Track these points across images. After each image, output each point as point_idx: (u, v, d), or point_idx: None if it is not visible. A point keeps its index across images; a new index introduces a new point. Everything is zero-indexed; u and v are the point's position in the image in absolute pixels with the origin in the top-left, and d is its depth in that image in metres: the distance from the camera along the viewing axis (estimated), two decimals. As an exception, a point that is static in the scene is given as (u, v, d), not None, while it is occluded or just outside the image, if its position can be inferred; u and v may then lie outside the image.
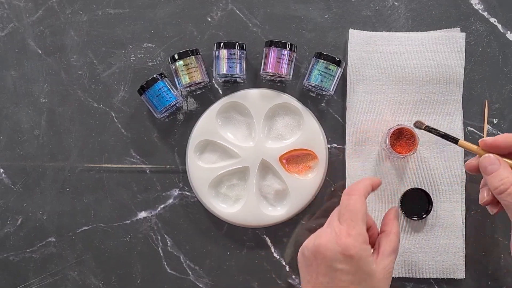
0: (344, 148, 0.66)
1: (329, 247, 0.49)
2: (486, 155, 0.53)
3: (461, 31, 0.66)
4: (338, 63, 0.63)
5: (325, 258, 0.49)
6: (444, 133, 0.58)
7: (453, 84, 0.65)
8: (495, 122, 0.66)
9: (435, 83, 0.65)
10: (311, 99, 0.67)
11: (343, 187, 0.66)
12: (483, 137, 0.66)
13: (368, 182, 0.54)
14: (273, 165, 0.65)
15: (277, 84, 0.67)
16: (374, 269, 0.50)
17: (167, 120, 0.68)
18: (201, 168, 0.66)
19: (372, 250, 0.53)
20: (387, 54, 0.66)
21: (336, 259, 0.49)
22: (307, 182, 0.65)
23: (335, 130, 0.67)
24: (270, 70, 0.64)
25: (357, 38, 0.66)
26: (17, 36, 0.68)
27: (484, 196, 0.55)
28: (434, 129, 0.58)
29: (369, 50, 0.66)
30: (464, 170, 0.64)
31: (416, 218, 0.64)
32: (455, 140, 0.57)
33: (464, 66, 0.66)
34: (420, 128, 0.60)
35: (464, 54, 0.66)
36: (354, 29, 0.66)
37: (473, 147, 0.56)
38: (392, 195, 0.65)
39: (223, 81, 0.67)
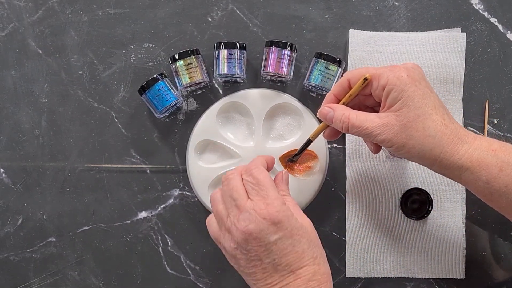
0: (344, 148, 0.66)
1: (258, 227, 0.48)
2: (319, 110, 0.56)
3: (461, 31, 0.66)
4: (338, 63, 0.63)
5: (258, 238, 0.48)
6: (301, 147, 0.62)
7: (454, 84, 0.66)
8: (495, 122, 0.66)
9: (436, 83, 0.65)
10: (311, 99, 0.67)
11: (344, 187, 0.66)
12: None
13: (260, 157, 0.56)
14: (273, 165, 0.65)
15: (277, 84, 0.67)
16: (301, 222, 0.51)
17: (167, 120, 0.68)
18: (201, 168, 0.66)
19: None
20: (387, 54, 0.66)
21: (269, 233, 0.48)
22: (307, 182, 0.65)
23: (335, 130, 0.67)
24: (270, 70, 0.64)
25: (357, 38, 0.66)
26: (17, 36, 0.68)
27: (369, 147, 0.57)
28: (296, 154, 0.63)
29: (369, 50, 0.66)
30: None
31: (416, 218, 0.64)
32: (308, 140, 0.60)
33: (464, 66, 0.66)
34: (293, 161, 0.64)
35: (464, 54, 0.66)
36: (354, 29, 0.66)
37: (319, 126, 0.58)
38: (392, 195, 0.65)
39: (224, 81, 0.67)
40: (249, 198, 0.50)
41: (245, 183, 0.52)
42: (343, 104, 0.55)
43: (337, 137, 0.58)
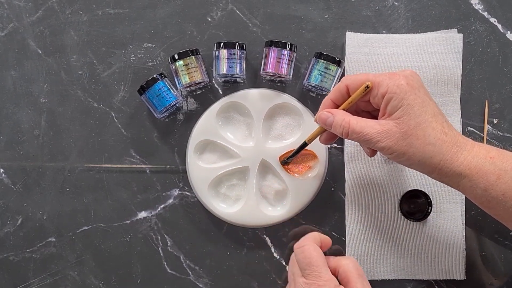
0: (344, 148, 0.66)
1: None
2: (317, 115, 0.56)
3: (461, 31, 0.66)
4: (338, 63, 0.63)
5: None
6: (296, 149, 0.62)
7: (451, 85, 0.65)
8: (495, 122, 0.66)
9: (433, 85, 0.65)
10: (311, 99, 0.67)
11: (343, 187, 0.66)
12: (483, 137, 0.66)
13: (316, 233, 0.58)
14: (273, 165, 0.65)
15: (277, 84, 0.67)
16: None
17: (167, 120, 0.68)
18: (201, 168, 0.66)
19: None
20: (384, 56, 0.66)
21: None
22: (307, 182, 0.65)
23: (335, 130, 0.67)
24: (270, 70, 0.64)
25: (354, 41, 0.66)
26: (17, 36, 0.68)
27: (366, 150, 0.58)
28: (290, 156, 0.63)
29: (366, 52, 0.66)
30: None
31: (415, 220, 0.64)
32: (304, 143, 0.61)
33: (461, 67, 0.66)
34: (286, 163, 0.65)
35: (461, 55, 0.66)
36: (354, 29, 0.66)
37: (316, 130, 0.58)
38: (391, 197, 0.65)
39: (223, 81, 0.67)
40: (302, 275, 0.54)
41: (297, 260, 0.55)
42: (342, 110, 0.55)
43: (333, 142, 0.58)
